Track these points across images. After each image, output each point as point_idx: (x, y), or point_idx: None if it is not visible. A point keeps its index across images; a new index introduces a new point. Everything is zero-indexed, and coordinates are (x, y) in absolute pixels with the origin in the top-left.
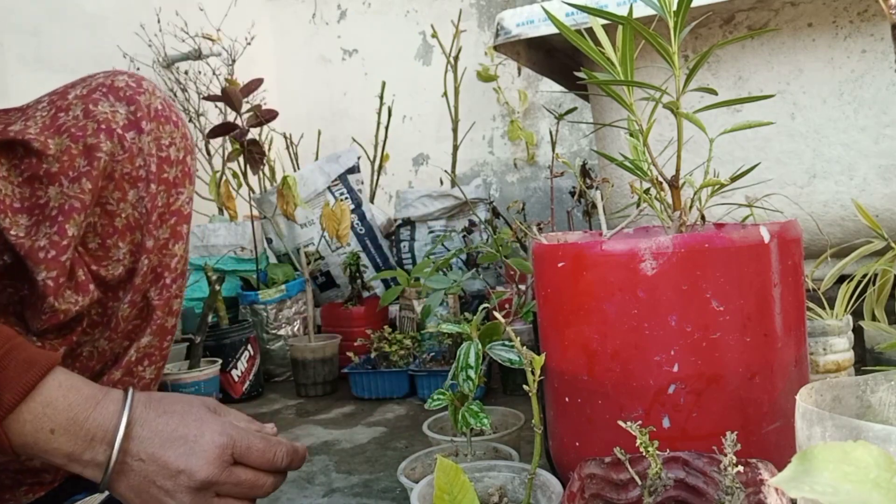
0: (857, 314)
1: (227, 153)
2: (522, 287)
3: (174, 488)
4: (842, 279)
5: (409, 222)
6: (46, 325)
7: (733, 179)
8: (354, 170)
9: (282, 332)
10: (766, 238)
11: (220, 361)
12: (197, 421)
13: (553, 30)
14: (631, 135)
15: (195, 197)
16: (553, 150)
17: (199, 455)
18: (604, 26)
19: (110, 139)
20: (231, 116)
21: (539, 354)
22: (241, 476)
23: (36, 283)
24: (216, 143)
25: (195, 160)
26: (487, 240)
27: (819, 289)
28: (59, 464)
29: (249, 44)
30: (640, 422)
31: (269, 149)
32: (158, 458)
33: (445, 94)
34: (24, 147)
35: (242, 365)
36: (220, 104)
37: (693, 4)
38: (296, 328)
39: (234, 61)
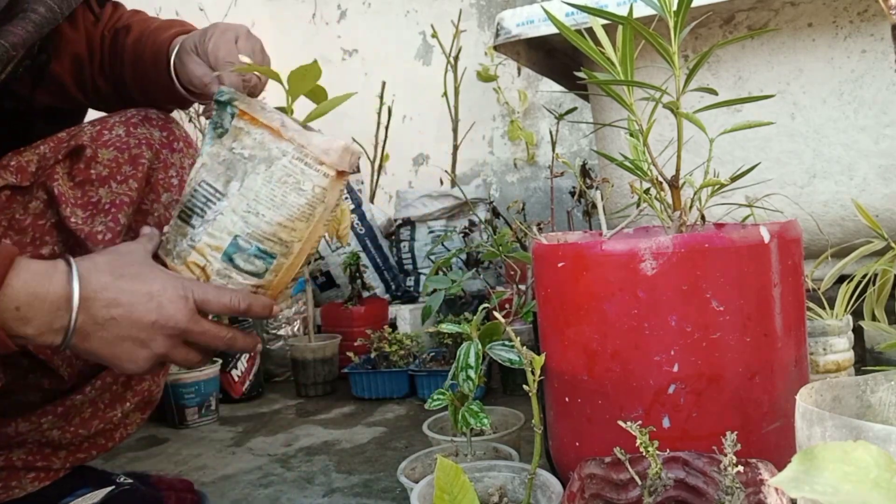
0: (857, 314)
1: None
2: (522, 287)
3: (149, 337)
4: (842, 279)
5: (409, 222)
6: None
7: (733, 179)
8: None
9: (282, 332)
10: (766, 238)
11: (220, 361)
12: (154, 278)
13: (553, 30)
14: (631, 135)
15: None
16: (553, 150)
17: (168, 306)
18: (604, 26)
19: (150, 150)
20: None
21: (539, 354)
22: (205, 325)
23: None
24: None
25: None
26: (487, 240)
27: (819, 289)
28: (30, 337)
29: None
30: (640, 422)
31: None
32: (130, 316)
33: (445, 94)
34: (77, 154)
35: (242, 365)
36: None
37: (693, 4)
38: (296, 328)
39: None
